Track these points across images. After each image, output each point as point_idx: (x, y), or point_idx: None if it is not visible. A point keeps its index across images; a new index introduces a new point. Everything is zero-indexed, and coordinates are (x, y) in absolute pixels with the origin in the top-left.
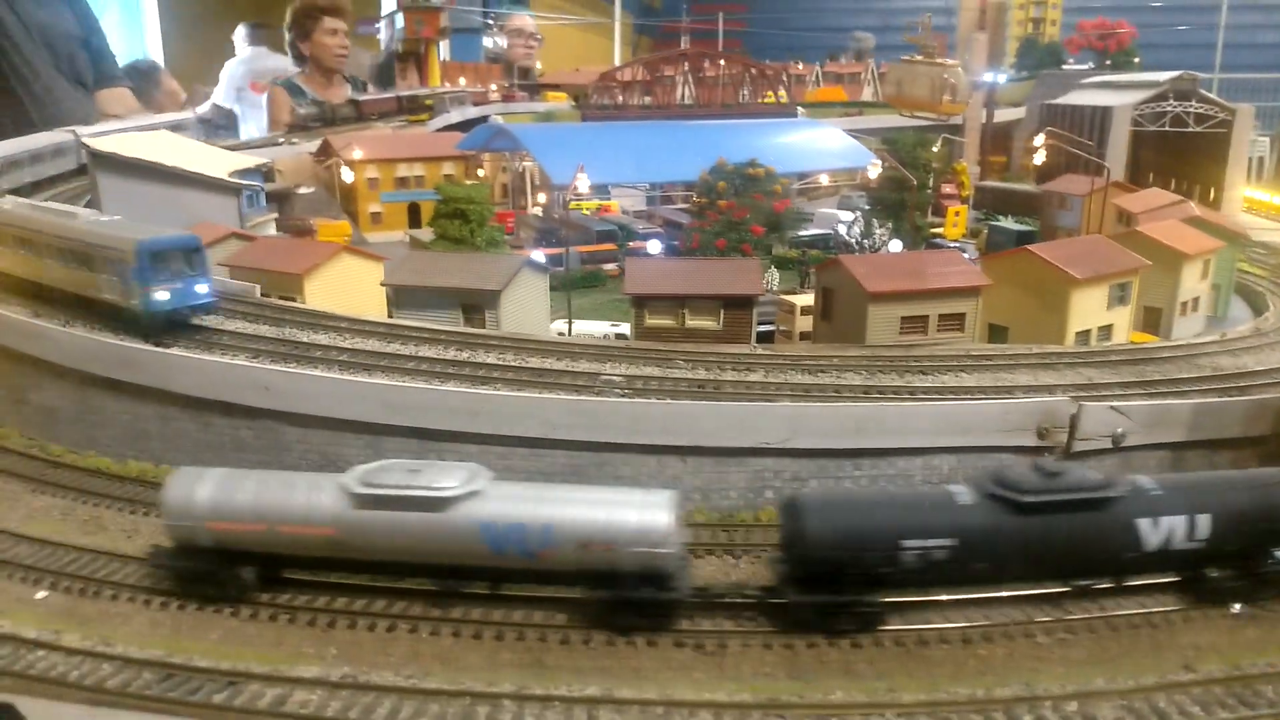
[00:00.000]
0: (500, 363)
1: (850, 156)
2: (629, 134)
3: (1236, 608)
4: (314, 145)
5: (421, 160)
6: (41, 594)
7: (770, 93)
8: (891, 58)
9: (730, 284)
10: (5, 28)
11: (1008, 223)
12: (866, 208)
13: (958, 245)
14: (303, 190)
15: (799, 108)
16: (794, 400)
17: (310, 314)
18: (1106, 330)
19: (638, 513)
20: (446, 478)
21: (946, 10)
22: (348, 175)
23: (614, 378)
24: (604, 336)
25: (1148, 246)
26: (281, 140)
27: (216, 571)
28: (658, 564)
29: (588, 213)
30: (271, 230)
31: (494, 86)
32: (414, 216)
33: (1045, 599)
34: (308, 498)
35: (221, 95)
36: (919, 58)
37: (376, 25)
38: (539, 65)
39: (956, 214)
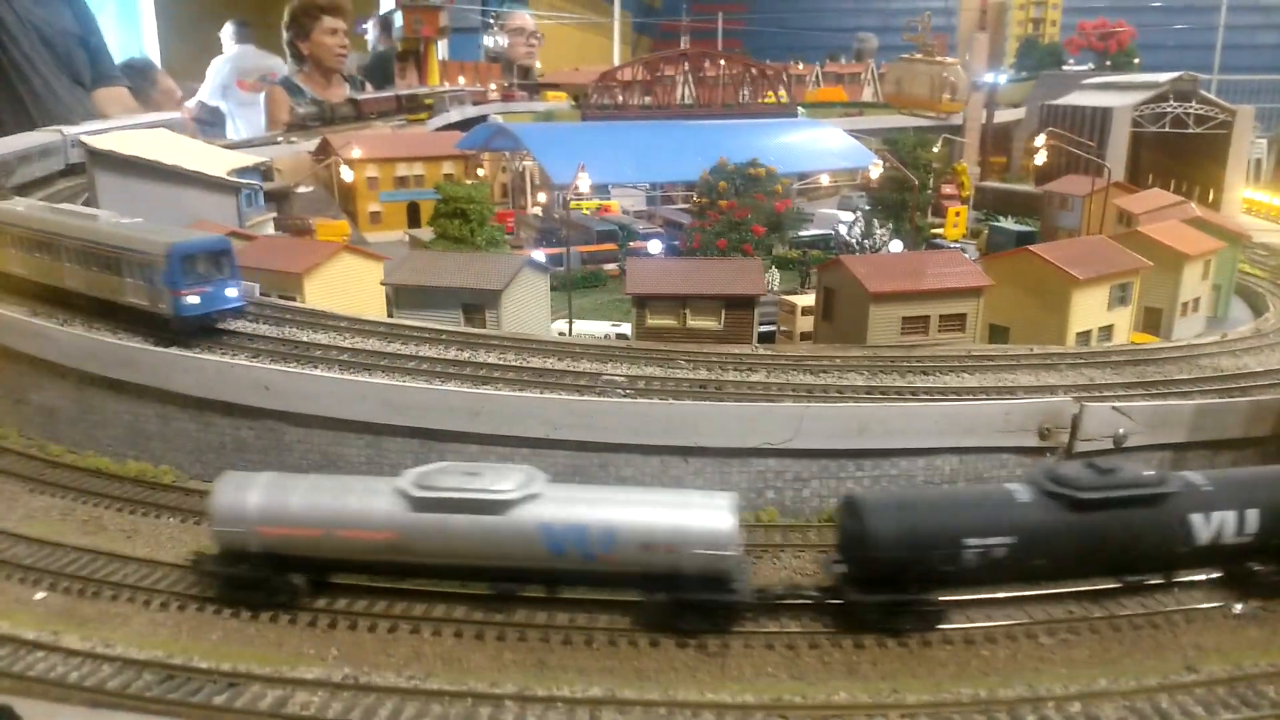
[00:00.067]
0: (501, 363)
1: (851, 157)
2: (629, 134)
3: (1238, 608)
4: (313, 144)
5: (421, 159)
6: (40, 595)
7: (770, 93)
8: (892, 58)
9: (732, 284)
10: (4, 24)
11: (1008, 223)
12: (867, 208)
13: (958, 246)
14: (302, 189)
15: (799, 108)
16: (796, 401)
17: (310, 313)
18: (1107, 331)
19: (701, 515)
20: (505, 480)
21: (947, 10)
22: (347, 174)
23: (616, 378)
24: (605, 336)
25: (1149, 247)
26: (280, 139)
27: (267, 578)
28: (720, 566)
29: (588, 212)
30: (270, 229)
31: (493, 86)
32: (413, 216)
33: (1046, 599)
34: (365, 501)
35: (207, 93)
36: (918, 56)
37: (364, 25)
38: (538, 64)
39: (957, 214)
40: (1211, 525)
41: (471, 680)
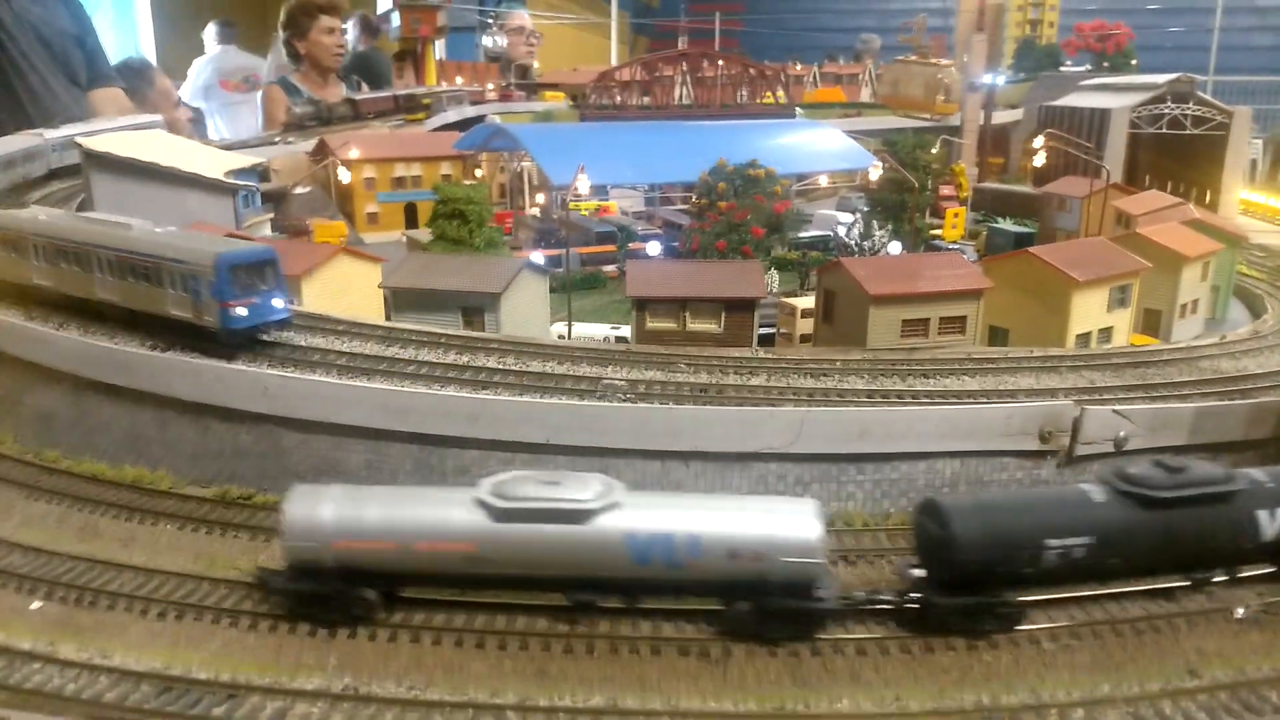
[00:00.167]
0: (501, 366)
1: (850, 158)
2: (628, 134)
3: (1240, 611)
4: (310, 145)
5: (419, 160)
6: (36, 604)
7: (769, 93)
8: (891, 58)
9: (732, 287)
10: (1, 23)
11: (1007, 224)
12: (865, 209)
13: (956, 247)
14: (299, 190)
15: (797, 108)
16: (797, 404)
17: (308, 316)
18: (1107, 333)
19: (789, 522)
20: (585, 488)
21: (944, 11)
22: (344, 176)
23: (616, 382)
24: (604, 339)
25: (1147, 249)
26: (277, 139)
27: (339, 594)
28: (808, 574)
29: (586, 213)
30: (267, 231)
31: (491, 85)
32: (411, 217)
33: (1048, 603)
34: (443, 513)
35: (189, 94)
36: (914, 58)
37: (343, 26)
38: (536, 64)
39: (955, 215)
40: (1277, 521)
41: (472, 689)
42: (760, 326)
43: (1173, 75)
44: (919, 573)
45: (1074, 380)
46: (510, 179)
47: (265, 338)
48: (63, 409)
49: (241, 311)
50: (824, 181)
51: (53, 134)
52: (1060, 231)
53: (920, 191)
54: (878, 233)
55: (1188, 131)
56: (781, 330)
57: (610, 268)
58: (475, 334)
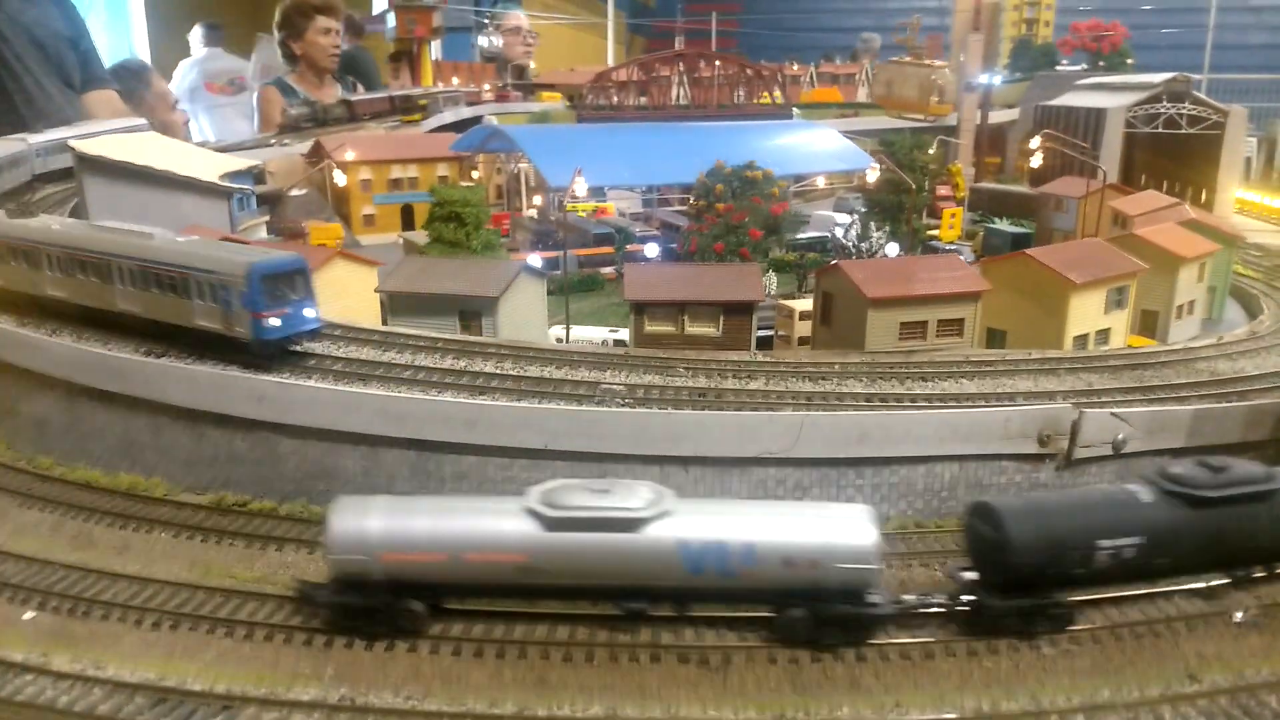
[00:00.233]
0: (499, 371)
1: (847, 158)
2: (625, 135)
3: (1239, 615)
4: (306, 146)
5: (415, 161)
6: (29, 614)
7: (765, 93)
8: (889, 58)
9: (730, 290)
10: None
11: (1003, 225)
12: (863, 210)
13: (953, 247)
14: (295, 192)
15: (794, 109)
16: (796, 409)
17: None
18: (1104, 334)
19: (844, 529)
20: (636, 496)
21: (940, 10)
22: (340, 179)
23: (615, 386)
24: (603, 343)
25: (1144, 250)
26: (273, 141)
27: (387, 606)
28: (863, 579)
29: (584, 215)
30: (263, 234)
31: (487, 86)
32: (407, 218)
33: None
34: (493, 524)
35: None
36: (908, 59)
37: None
38: (533, 65)
39: (952, 216)
40: None
41: (470, 699)
42: (759, 329)
43: (1168, 75)
44: (970, 575)
45: (1072, 383)
46: (507, 180)
47: (296, 348)
48: (56, 415)
49: (274, 322)
50: (821, 182)
51: (36, 139)
52: (1057, 232)
53: (917, 192)
54: (875, 234)
55: (1183, 131)
56: (780, 332)
57: (608, 269)
58: (473, 338)
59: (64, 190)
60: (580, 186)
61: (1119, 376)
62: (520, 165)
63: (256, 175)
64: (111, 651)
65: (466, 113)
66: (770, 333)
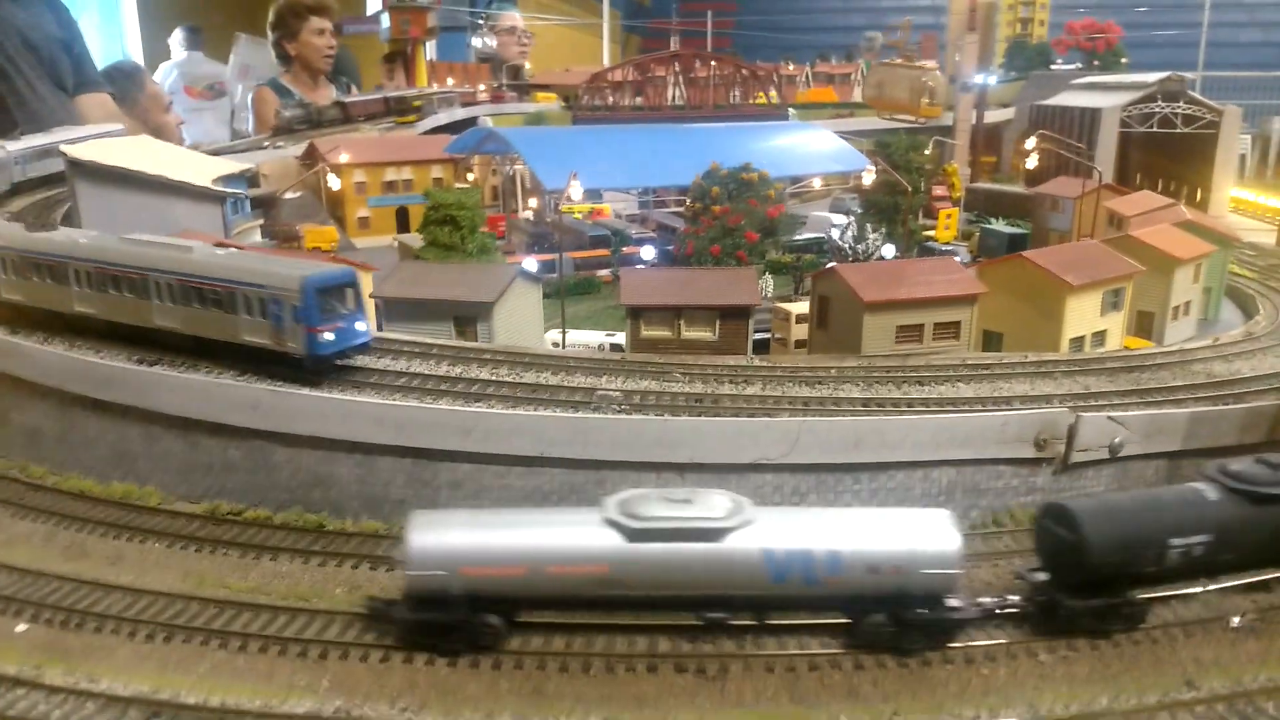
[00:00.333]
0: (494, 378)
1: (843, 159)
2: (620, 137)
3: (1236, 620)
4: (300, 149)
5: (410, 164)
6: (22, 627)
7: (761, 94)
8: (888, 57)
9: (727, 294)
10: None
11: (1000, 225)
12: (859, 211)
13: (949, 248)
14: (289, 195)
15: (789, 109)
16: (793, 414)
17: None
18: (1100, 336)
19: (927, 534)
20: (717, 505)
21: (935, 9)
22: (334, 183)
23: (611, 392)
24: (599, 347)
25: (1140, 251)
26: (266, 144)
27: (466, 621)
28: (947, 585)
29: (580, 216)
30: (257, 237)
31: (482, 87)
32: (402, 221)
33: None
34: (573, 535)
35: None
36: (899, 61)
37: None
38: (528, 65)
39: (948, 216)
40: None
41: (467, 711)
42: (755, 332)
43: (1163, 74)
44: (1042, 576)
45: (1069, 385)
46: (503, 182)
47: (346, 363)
48: (48, 424)
49: (328, 336)
50: (818, 183)
51: (14, 146)
52: (1053, 232)
53: (914, 194)
54: (871, 236)
55: (1178, 130)
56: (776, 335)
57: (604, 272)
58: (468, 344)
59: (44, 198)
60: (575, 191)
61: (1115, 379)
62: (516, 167)
63: (250, 178)
64: (105, 664)
65: (461, 114)
66: (767, 336)
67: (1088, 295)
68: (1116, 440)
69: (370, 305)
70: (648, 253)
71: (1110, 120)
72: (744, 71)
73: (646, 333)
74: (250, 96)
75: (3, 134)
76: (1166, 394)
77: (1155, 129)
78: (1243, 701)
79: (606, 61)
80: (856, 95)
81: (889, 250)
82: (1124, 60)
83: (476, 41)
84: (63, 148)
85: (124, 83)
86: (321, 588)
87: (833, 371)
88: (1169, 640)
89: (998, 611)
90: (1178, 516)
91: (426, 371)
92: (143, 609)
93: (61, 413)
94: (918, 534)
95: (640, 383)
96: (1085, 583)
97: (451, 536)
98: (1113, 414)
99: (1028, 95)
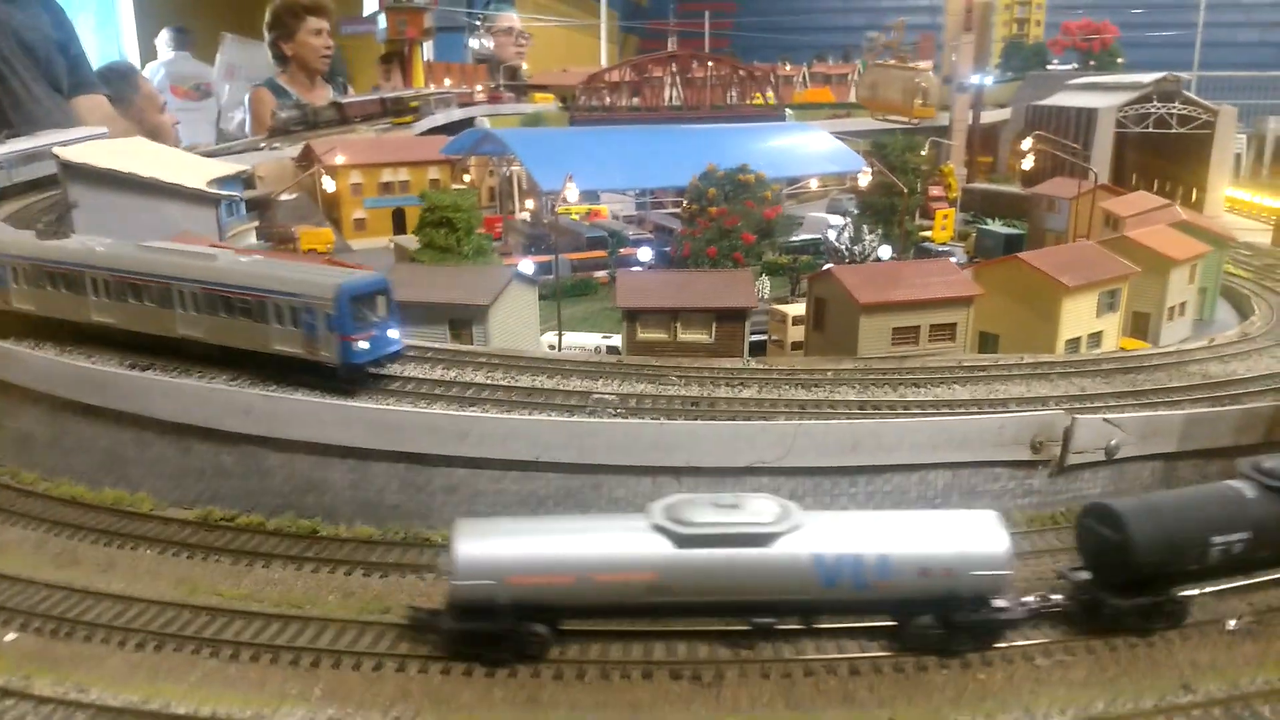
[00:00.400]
0: (489, 382)
1: (839, 160)
2: (617, 138)
3: (1232, 623)
4: (296, 150)
5: (406, 165)
6: (11, 636)
7: (758, 94)
8: (885, 57)
9: (723, 296)
10: None
11: (996, 225)
12: (856, 212)
13: (946, 249)
14: (284, 197)
15: (787, 109)
16: (789, 417)
17: None
18: (1096, 337)
19: (977, 536)
20: (765, 510)
21: (932, 9)
22: (329, 185)
23: (606, 396)
24: (596, 349)
25: (1136, 252)
26: (262, 145)
27: (511, 631)
28: (996, 586)
29: (577, 217)
30: (252, 239)
31: (479, 87)
32: (399, 222)
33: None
34: (621, 542)
35: None
36: (892, 62)
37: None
38: (525, 66)
39: (945, 217)
40: None
41: (461, 719)
42: (752, 334)
43: (1159, 74)
44: (1084, 576)
45: (1065, 387)
46: (500, 183)
47: (379, 371)
48: (40, 429)
49: (363, 345)
50: (815, 184)
51: (1, 150)
52: (1049, 232)
53: (910, 195)
54: (868, 237)
55: (1174, 130)
56: (773, 338)
57: (601, 273)
58: (463, 347)
59: (28, 203)
60: (571, 193)
61: (1111, 380)
62: (513, 168)
63: (246, 180)
64: (95, 674)
65: (458, 115)
66: (764, 338)
67: (1083, 296)
68: (1113, 442)
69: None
70: (645, 254)
71: (1106, 120)
72: (741, 72)
73: (643, 335)
74: (246, 97)
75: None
76: (1162, 395)
77: (1151, 129)
78: (1240, 705)
79: (604, 62)
80: (854, 96)
81: (885, 251)
82: (1120, 60)
83: (474, 42)
84: (56, 150)
85: (119, 83)
86: (315, 594)
87: (829, 374)
88: (1165, 643)
89: (1041, 611)
90: (1218, 514)
91: (421, 375)
92: (134, 617)
93: (53, 418)
94: (967, 535)
95: (636, 386)
96: (1130, 582)
97: (498, 545)
98: (1109, 416)
99: (1024, 95)
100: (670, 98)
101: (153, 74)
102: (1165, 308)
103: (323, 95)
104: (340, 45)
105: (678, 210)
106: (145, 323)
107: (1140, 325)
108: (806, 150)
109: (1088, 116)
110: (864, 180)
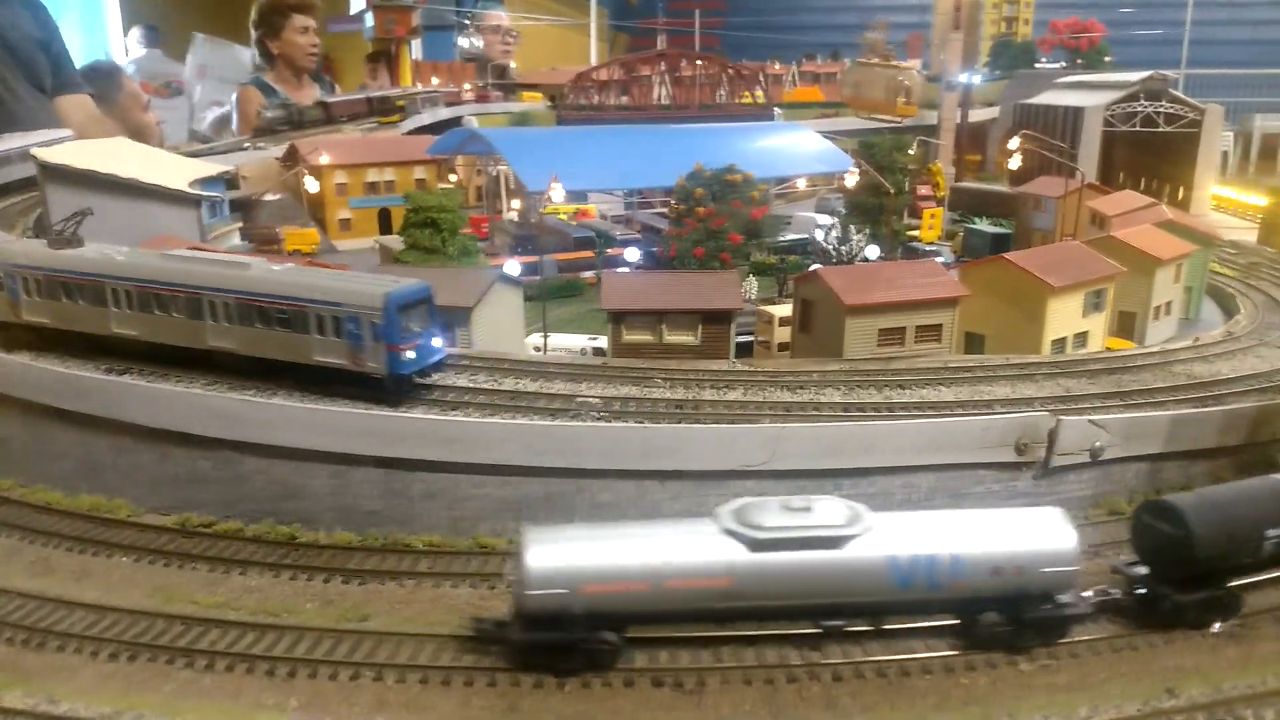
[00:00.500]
0: (473, 385)
1: (827, 160)
2: (605, 138)
3: (1216, 627)
4: (281, 150)
5: (392, 165)
6: None
7: (747, 93)
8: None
9: (709, 298)
10: None
11: (983, 224)
12: (844, 211)
13: (933, 248)
14: (269, 197)
15: (775, 108)
16: (774, 420)
17: None
18: (1082, 338)
19: (1047, 534)
20: (835, 513)
21: (921, 8)
22: (312, 186)
23: (591, 399)
24: (582, 351)
25: (1122, 251)
26: (247, 145)
27: (583, 640)
28: (1065, 582)
29: (564, 218)
30: (235, 240)
31: (467, 86)
32: (385, 222)
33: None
34: (694, 548)
35: None
36: (875, 61)
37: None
38: (514, 64)
39: (932, 216)
40: None
41: None
42: (739, 334)
43: (1145, 73)
44: (1140, 570)
45: (1050, 388)
46: (487, 183)
47: (424, 381)
48: (15, 435)
49: (410, 355)
50: (803, 184)
51: None
52: (1037, 231)
53: (898, 194)
54: (855, 237)
55: (1161, 129)
56: (760, 339)
57: (589, 274)
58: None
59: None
60: (556, 194)
61: (1097, 381)
62: (500, 168)
63: (230, 180)
64: (67, 685)
65: (445, 114)
66: (751, 338)
67: (1069, 297)
68: (1097, 444)
69: None
70: (632, 254)
71: (1093, 119)
72: (730, 71)
73: (628, 337)
74: (234, 96)
75: None
76: (1147, 396)
77: (1138, 128)
78: (1223, 709)
79: (594, 60)
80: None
81: (873, 251)
82: (1108, 59)
83: (462, 40)
84: (34, 152)
85: (103, 83)
86: (292, 602)
87: (815, 376)
88: (1149, 647)
89: (1102, 604)
90: (1271, 508)
91: None
92: (107, 627)
93: (28, 423)
94: (1036, 533)
95: (621, 389)
96: (1189, 576)
97: (571, 554)
98: (1093, 417)
99: (1012, 94)
100: (659, 96)
101: (126, 71)
102: (1151, 307)
103: (310, 94)
104: (334, 44)
105: (665, 210)
106: (171, 334)
107: (1126, 325)
108: (794, 150)
109: (1075, 115)
110: (851, 181)
